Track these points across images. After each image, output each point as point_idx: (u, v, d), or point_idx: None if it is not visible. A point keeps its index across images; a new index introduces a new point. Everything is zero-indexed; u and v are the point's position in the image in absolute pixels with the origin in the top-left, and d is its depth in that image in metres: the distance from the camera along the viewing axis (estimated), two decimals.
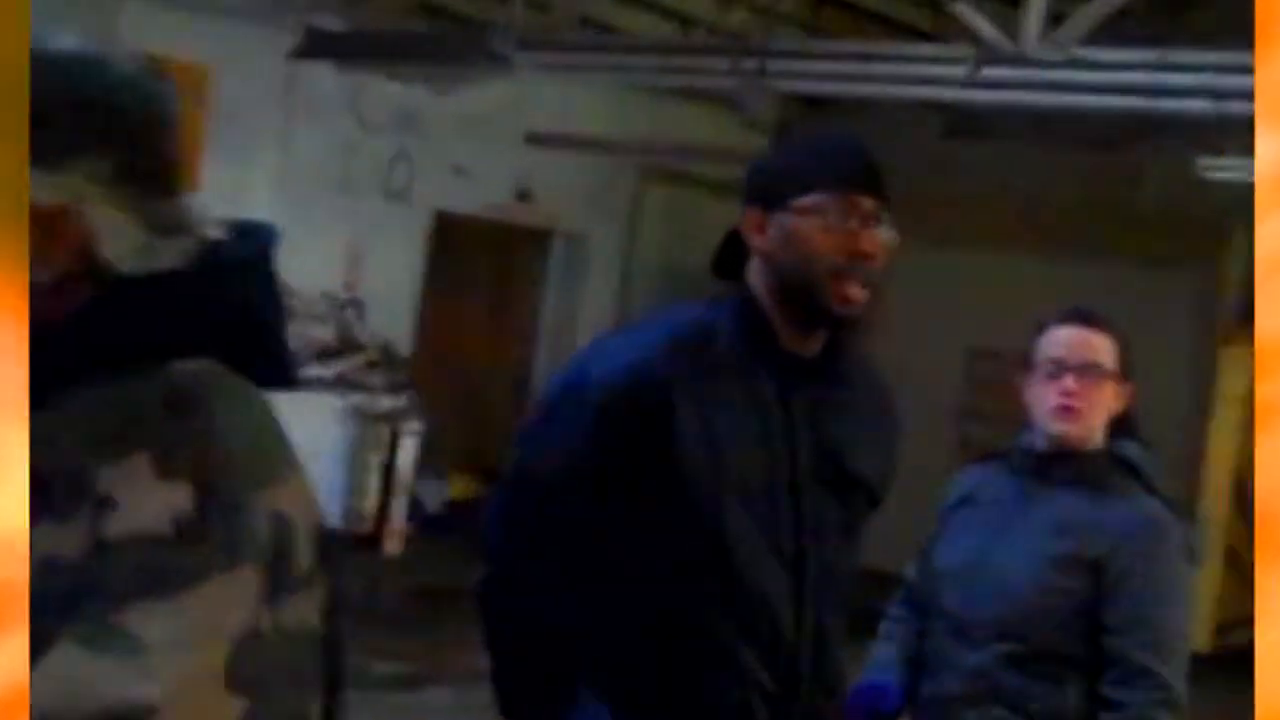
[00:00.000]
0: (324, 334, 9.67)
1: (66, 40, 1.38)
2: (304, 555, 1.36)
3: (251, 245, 1.46)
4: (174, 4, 8.39)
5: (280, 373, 1.47)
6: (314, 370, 9.24)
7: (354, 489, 9.59)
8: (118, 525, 1.27)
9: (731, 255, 2.50)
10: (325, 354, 9.58)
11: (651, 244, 11.56)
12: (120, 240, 1.36)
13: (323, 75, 9.22)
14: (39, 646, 1.24)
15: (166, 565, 1.27)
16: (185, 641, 1.26)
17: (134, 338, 1.37)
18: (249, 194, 8.89)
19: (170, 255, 1.39)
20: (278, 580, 1.32)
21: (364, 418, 9.64)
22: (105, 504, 1.28)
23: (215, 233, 1.46)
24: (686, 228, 11.07)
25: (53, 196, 1.33)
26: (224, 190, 8.70)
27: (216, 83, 8.73)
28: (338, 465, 9.47)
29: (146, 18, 8.27)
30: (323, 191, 9.45)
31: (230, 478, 1.32)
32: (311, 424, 8.89)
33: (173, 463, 1.30)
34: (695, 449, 2.34)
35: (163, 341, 1.38)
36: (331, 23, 8.98)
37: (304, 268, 9.11)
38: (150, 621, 1.25)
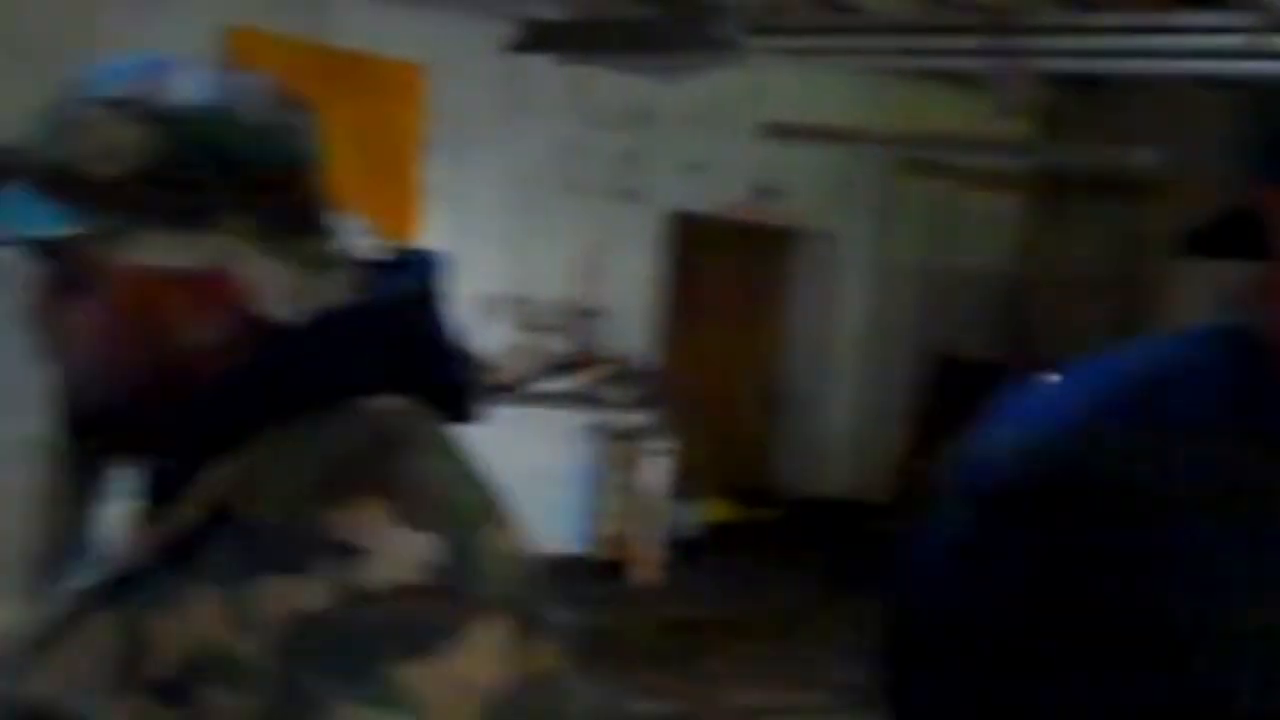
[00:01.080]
0: (559, 346, 9.44)
1: (187, 86, 1.39)
2: (540, 597, 1.37)
3: (417, 274, 1.47)
4: (388, 0, 8.22)
5: (460, 406, 1.46)
6: (549, 385, 9.08)
7: (595, 512, 9.36)
8: (364, 574, 1.27)
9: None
10: (561, 367, 9.37)
11: (907, 241, 11.17)
12: (278, 291, 1.38)
13: (544, 69, 8.98)
14: (310, 705, 1.25)
15: (420, 617, 1.27)
16: (449, 699, 1.27)
17: (310, 380, 1.39)
18: (472, 198, 8.73)
19: (330, 291, 1.41)
20: (522, 626, 1.32)
21: (604, 435, 9.39)
22: (348, 551, 1.28)
23: (376, 260, 1.46)
24: (945, 222, 10.71)
25: (202, 259, 1.36)
26: (446, 195, 8.55)
27: (434, 81, 8.57)
28: (577, 487, 9.26)
29: (356, 16, 8.12)
30: (549, 193, 9.24)
31: (463, 520, 1.34)
32: (548, 442, 8.73)
33: (404, 507, 1.31)
34: (1184, 579, 1.51)
35: (342, 381, 1.40)
36: (551, 12, 8.72)
37: (535, 275, 8.96)
38: (423, 679, 1.26)
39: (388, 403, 1.40)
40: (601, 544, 9.33)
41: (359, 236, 1.49)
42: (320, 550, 1.29)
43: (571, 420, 9.21)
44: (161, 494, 1.42)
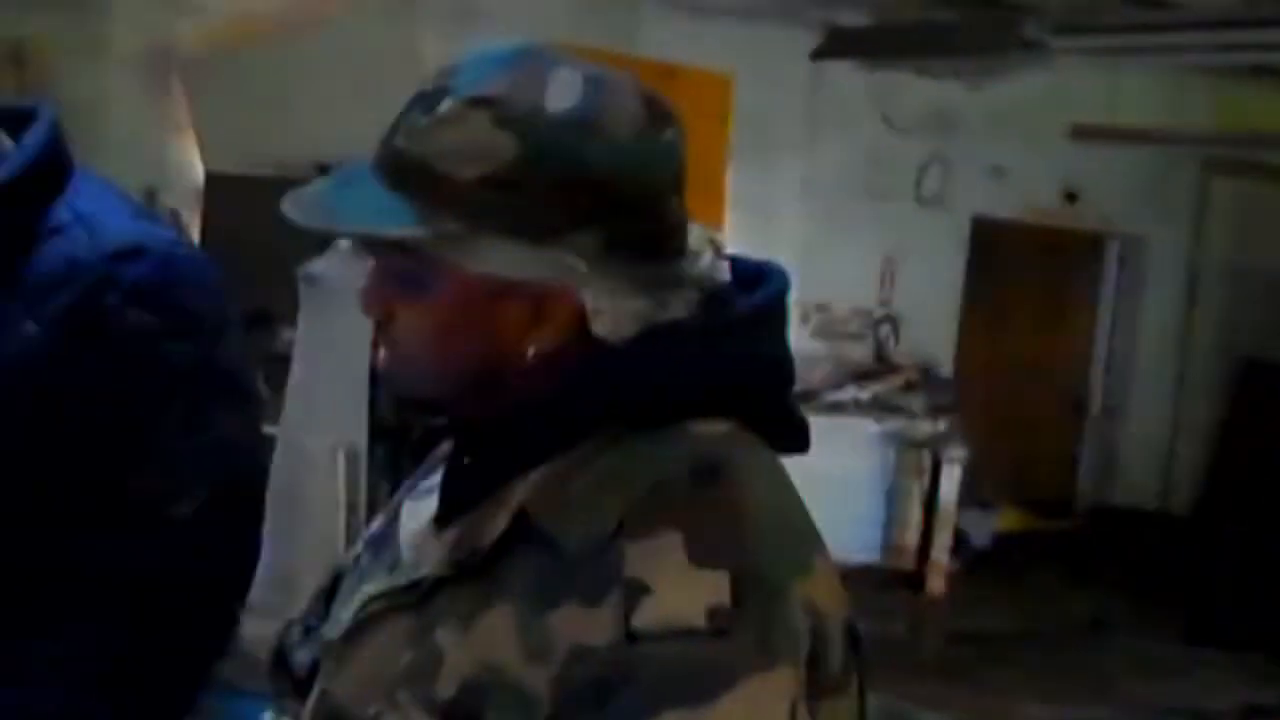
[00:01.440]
0: (858, 353, 9.45)
1: (559, 90, 1.34)
2: (836, 654, 1.31)
3: (766, 292, 1.42)
4: (694, 10, 8.37)
5: (796, 435, 1.41)
6: (848, 393, 9.03)
7: (893, 521, 9.30)
8: (650, 613, 1.24)
9: None
10: (860, 375, 9.33)
11: (1220, 244, 10.86)
12: (616, 314, 1.34)
13: (847, 75, 9.01)
14: None
15: (702, 663, 1.23)
16: None
17: (635, 398, 1.35)
18: (775, 205, 8.81)
19: (672, 308, 1.37)
20: (811, 682, 1.27)
21: (902, 443, 9.36)
22: (637, 588, 1.25)
23: (722, 275, 1.42)
24: (1260, 224, 10.36)
25: (543, 274, 1.33)
26: (750, 202, 8.56)
27: (739, 90, 8.62)
28: (875, 495, 9.27)
29: (666, 25, 8.27)
30: (850, 199, 9.24)
31: (765, 564, 1.28)
32: (846, 450, 8.71)
33: (705, 544, 1.27)
34: None
35: (668, 401, 1.35)
36: (854, 18, 8.66)
37: (834, 282, 8.95)
38: None
39: (714, 427, 1.35)
40: (896, 553, 9.27)
41: (710, 251, 1.44)
42: (613, 584, 1.26)
43: (868, 428, 9.17)
44: (463, 496, 1.40)
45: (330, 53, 6.86)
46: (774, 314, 1.41)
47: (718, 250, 1.44)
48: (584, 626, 1.26)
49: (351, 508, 6.03)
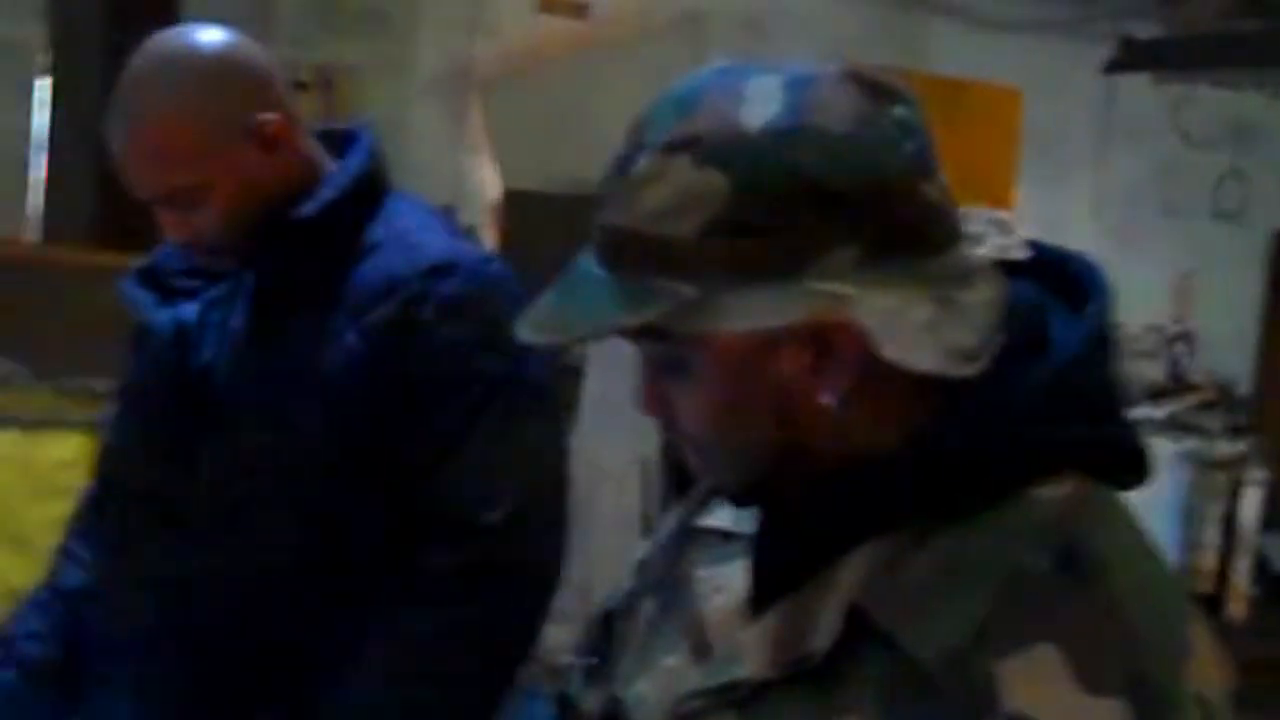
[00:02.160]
0: (1153, 371, 9.25)
1: (754, 108, 1.16)
2: None
3: (1097, 306, 1.24)
4: (983, 25, 8.31)
5: (1139, 467, 1.26)
6: (1142, 412, 8.82)
7: (1189, 543, 9.04)
8: None
9: None
10: (1155, 394, 9.10)
11: None
12: (900, 332, 1.15)
13: (1140, 88, 8.83)
14: None
15: None
16: None
17: (985, 458, 1.16)
18: (1064, 222, 8.64)
19: (971, 322, 1.18)
20: None
21: (1200, 464, 9.08)
22: None
23: (1016, 253, 1.26)
24: None
25: (801, 311, 1.15)
26: (1039, 219, 8.43)
27: (1027, 105, 8.56)
28: (1171, 516, 8.98)
29: (955, 41, 8.23)
30: (1143, 215, 9.07)
31: (1156, 671, 1.12)
32: None
33: (1089, 660, 1.09)
34: None
35: (1021, 460, 1.17)
36: (1149, 30, 8.46)
37: (1126, 299, 8.56)
38: None
39: (1060, 490, 1.18)
40: (1193, 576, 8.94)
41: (996, 232, 1.29)
42: (987, 715, 1.09)
43: (1163, 448, 8.93)
44: (780, 579, 1.24)
45: (623, 71, 6.96)
46: (1111, 334, 1.25)
47: (1004, 231, 1.29)
48: None
49: (646, 520, 6.10)
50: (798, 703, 1.18)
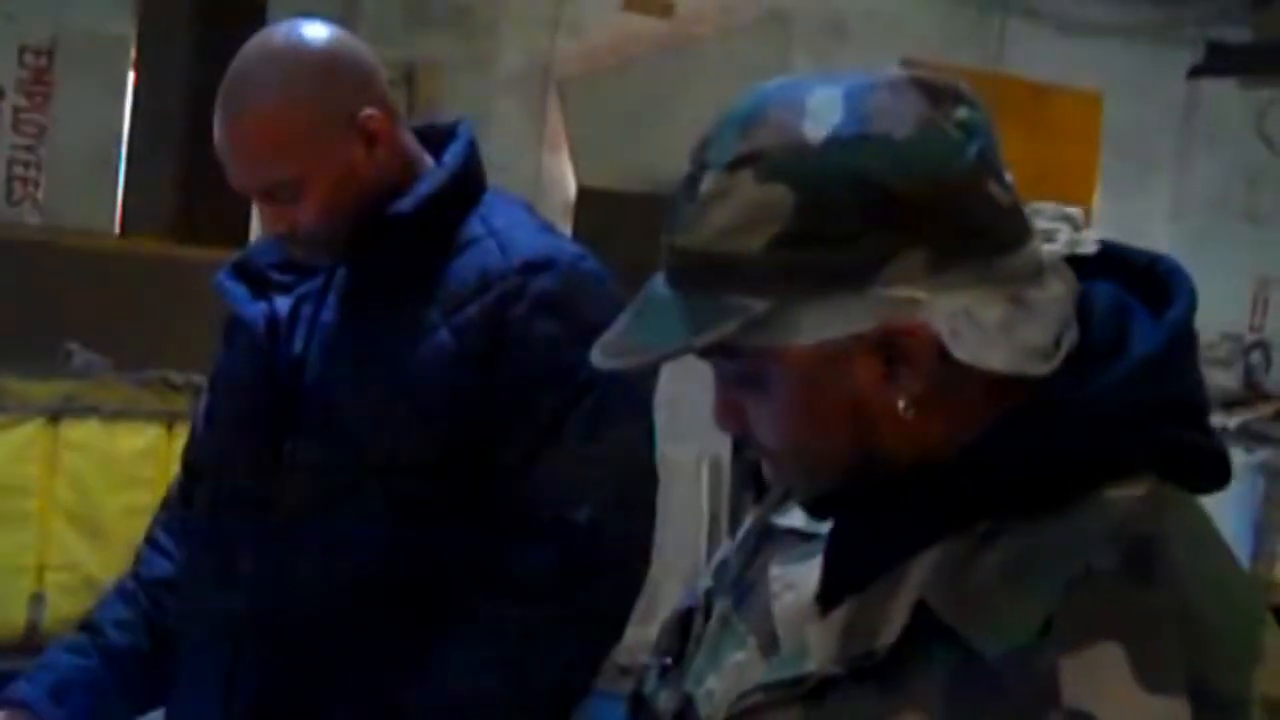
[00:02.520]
0: (1227, 380, 9.16)
1: (815, 119, 1.18)
2: None
3: (1181, 306, 1.24)
4: (1063, 28, 8.27)
5: (1218, 471, 1.25)
6: (1216, 421, 8.70)
7: (1261, 554, 8.98)
8: None
9: None
10: (1228, 403, 9.03)
11: None
12: (972, 331, 1.16)
13: (1224, 93, 8.77)
14: None
15: None
16: None
17: (1062, 458, 1.16)
18: (1143, 227, 8.56)
19: (1045, 318, 1.18)
20: None
21: (1273, 475, 9.01)
22: (1078, 718, 1.08)
23: (1087, 249, 1.26)
24: None
25: (873, 319, 1.16)
26: (1118, 223, 8.37)
27: (1107, 109, 8.50)
28: (1242, 526, 8.92)
29: (1035, 44, 8.20)
30: (1223, 221, 8.98)
31: (1221, 674, 1.11)
32: None
33: (1153, 660, 1.08)
34: None
35: (1097, 460, 1.17)
36: (1235, 35, 8.39)
37: (1203, 305, 8.46)
38: None
39: (1134, 491, 1.18)
40: (1270, 589, 8.92)
41: (1068, 228, 1.29)
42: (1048, 710, 1.09)
43: (1236, 458, 8.85)
44: (851, 575, 1.26)
45: (703, 70, 6.97)
46: (1193, 337, 1.24)
47: (1074, 225, 1.29)
48: None
49: (714, 518, 6.12)
50: (861, 698, 1.19)
